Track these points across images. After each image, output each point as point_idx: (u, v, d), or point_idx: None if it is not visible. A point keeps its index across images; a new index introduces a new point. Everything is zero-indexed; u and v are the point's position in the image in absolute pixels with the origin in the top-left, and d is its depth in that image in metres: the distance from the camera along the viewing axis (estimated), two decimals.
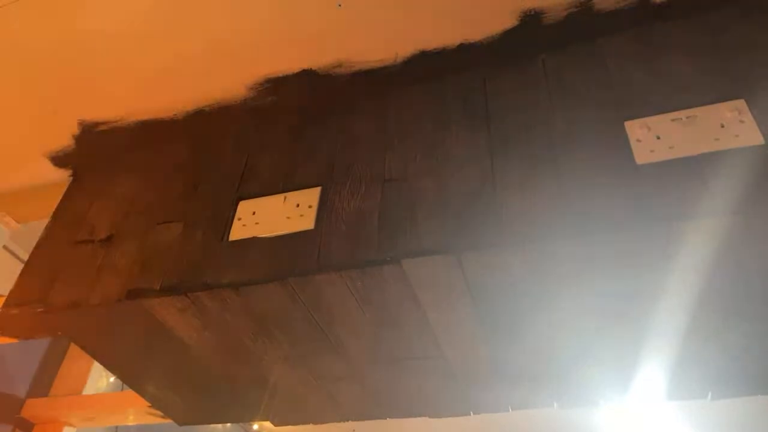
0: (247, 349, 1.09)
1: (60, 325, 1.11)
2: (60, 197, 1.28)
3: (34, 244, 1.20)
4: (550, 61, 1.00)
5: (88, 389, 1.98)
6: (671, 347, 0.96)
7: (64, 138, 1.25)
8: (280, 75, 1.10)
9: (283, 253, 0.93)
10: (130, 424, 1.91)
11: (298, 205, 0.99)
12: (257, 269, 0.94)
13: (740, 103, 0.83)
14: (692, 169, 0.79)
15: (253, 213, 1.02)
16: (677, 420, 2.33)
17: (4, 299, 1.12)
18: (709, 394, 1.06)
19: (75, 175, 1.32)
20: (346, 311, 0.96)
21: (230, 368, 1.16)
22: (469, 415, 1.21)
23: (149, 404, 1.37)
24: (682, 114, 0.85)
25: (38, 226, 1.24)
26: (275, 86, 1.12)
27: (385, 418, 1.28)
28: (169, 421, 1.44)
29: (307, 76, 1.09)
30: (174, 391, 1.29)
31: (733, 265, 0.80)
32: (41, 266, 1.14)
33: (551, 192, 0.84)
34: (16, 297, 1.11)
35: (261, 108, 1.16)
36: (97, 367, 2.02)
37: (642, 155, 0.82)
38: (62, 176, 1.32)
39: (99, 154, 1.27)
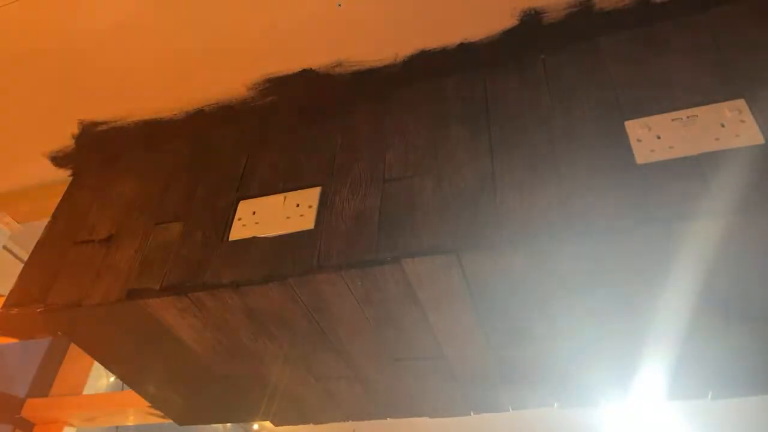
0: (247, 349, 1.09)
1: (60, 325, 1.11)
2: (60, 197, 1.28)
3: (34, 244, 1.20)
4: (550, 61, 1.00)
5: (88, 389, 1.98)
6: (671, 347, 0.96)
7: (64, 138, 1.25)
8: (280, 75, 1.10)
9: (283, 253, 0.93)
10: (130, 424, 1.91)
11: (298, 205, 0.99)
12: (257, 269, 0.93)
13: (740, 103, 0.83)
14: (693, 169, 0.79)
15: (253, 213, 1.02)
16: (677, 420, 2.33)
17: (4, 299, 1.12)
18: (710, 394, 1.06)
19: (75, 175, 1.32)
20: (346, 311, 0.96)
21: (230, 368, 1.16)
22: (469, 415, 1.21)
23: (149, 404, 1.37)
24: (682, 114, 0.85)
25: (38, 226, 1.24)
26: (275, 86, 1.12)
27: (385, 418, 1.28)
28: (169, 421, 1.44)
29: (307, 76, 1.09)
30: (174, 391, 1.29)
31: (734, 264, 0.80)
32: (41, 266, 1.14)
33: (551, 192, 0.84)
34: (16, 297, 1.11)
35: (261, 108, 1.16)
36: (97, 367, 2.02)
37: (642, 155, 0.82)
38: (62, 176, 1.32)
39: (99, 154, 1.27)
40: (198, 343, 1.08)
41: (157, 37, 1.05)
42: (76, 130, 1.23)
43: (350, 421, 1.30)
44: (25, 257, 1.22)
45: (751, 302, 0.86)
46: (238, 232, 1.00)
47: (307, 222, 0.96)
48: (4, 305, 1.10)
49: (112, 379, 2.14)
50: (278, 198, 1.02)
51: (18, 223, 1.48)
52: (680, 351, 0.96)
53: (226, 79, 1.11)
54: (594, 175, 0.83)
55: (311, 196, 0.99)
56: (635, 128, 0.86)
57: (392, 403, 1.22)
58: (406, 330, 0.99)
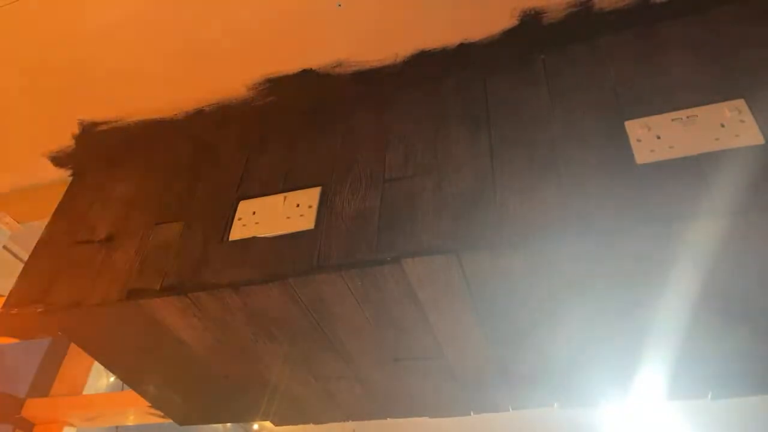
0: (247, 349, 1.09)
1: (60, 325, 1.10)
2: (60, 197, 1.28)
3: (34, 244, 1.20)
4: (550, 61, 1.00)
5: (88, 389, 1.99)
6: (671, 347, 0.96)
7: (64, 138, 1.25)
8: (280, 75, 1.10)
9: (283, 253, 0.93)
10: (130, 424, 1.91)
11: (298, 205, 0.99)
12: (257, 269, 0.94)
13: (740, 103, 0.83)
14: (692, 169, 0.79)
15: (253, 213, 1.02)
16: (677, 420, 2.34)
17: (4, 299, 1.12)
18: (709, 394, 1.06)
19: (75, 175, 1.32)
20: (346, 311, 0.96)
21: (230, 368, 1.16)
22: (469, 415, 1.21)
23: (149, 404, 1.37)
24: (682, 114, 0.85)
25: (38, 226, 1.24)
26: (275, 86, 1.12)
27: (385, 418, 1.28)
28: (169, 421, 1.44)
29: (307, 76, 1.09)
30: (174, 391, 1.29)
31: (734, 264, 0.80)
32: (41, 266, 1.14)
33: (551, 192, 0.84)
34: (16, 297, 1.11)
35: (261, 108, 1.15)
36: (97, 367, 2.02)
37: (642, 155, 0.82)
38: (62, 176, 1.32)
39: (99, 154, 1.27)
40: (198, 343, 1.08)
41: (157, 37, 1.05)
42: (76, 130, 1.23)
43: (350, 421, 1.30)
44: (25, 257, 1.22)
45: (751, 302, 0.86)
46: (238, 232, 1.00)
47: (307, 222, 0.96)
48: (4, 305, 1.10)
49: (112, 379, 2.14)
50: (278, 198, 1.02)
51: (18, 223, 1.48)
52: (680, 351, 0.96)
53: (226, 79, 1.11)
54: (594, 175, 0.83)
55: (311, 196, 0.99)
56: (635, 128, 0.86)
57: (392, 403, 1.22)
58: (406, 330, 0.99)
